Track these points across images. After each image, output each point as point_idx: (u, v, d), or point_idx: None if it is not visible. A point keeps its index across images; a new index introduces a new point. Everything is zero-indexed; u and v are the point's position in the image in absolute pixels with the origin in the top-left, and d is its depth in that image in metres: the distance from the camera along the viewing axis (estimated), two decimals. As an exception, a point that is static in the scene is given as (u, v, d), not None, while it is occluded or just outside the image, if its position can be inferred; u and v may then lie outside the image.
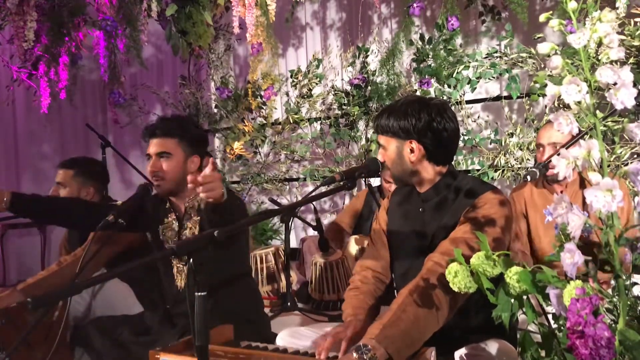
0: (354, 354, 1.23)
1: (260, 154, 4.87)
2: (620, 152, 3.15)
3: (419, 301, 1.35)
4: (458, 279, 1.06)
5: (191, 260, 1.10)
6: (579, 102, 0.94)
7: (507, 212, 1.54)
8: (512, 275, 1.01)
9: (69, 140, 5.91)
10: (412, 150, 1.61)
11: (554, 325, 1.02)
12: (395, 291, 1.74)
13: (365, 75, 4.37)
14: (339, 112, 4.51)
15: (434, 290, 1.37)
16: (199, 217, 2.06)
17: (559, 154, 0.96)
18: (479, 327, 1.55)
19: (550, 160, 2.19)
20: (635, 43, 3.04)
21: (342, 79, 4.74)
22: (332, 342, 1.42)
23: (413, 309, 1.34)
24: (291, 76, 4.67)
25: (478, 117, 4.03)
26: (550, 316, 1.05)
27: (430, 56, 3.99)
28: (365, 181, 4.27)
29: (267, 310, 2.88)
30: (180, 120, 2.12)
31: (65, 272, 2.41)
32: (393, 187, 3.25)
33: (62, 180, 2.66)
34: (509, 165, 3.75)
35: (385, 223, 1.78)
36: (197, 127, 2.16)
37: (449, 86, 3.90)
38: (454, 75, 3.85)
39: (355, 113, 4.35)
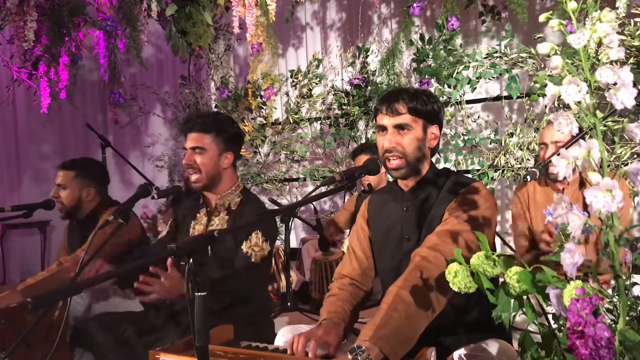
0: (349, 356, 1.23)
1: (260, 154, 4.87)
2: (620, 152, 3.15)
3: (409, 298, 1.34)
4: (458, 279, 1.06)
5: (191, 260, 1.10)
6: (579, 102, 0.94)
7: (491, 203, 1.55)
8: (512, 275, 1.01)
9: (69, 140, 5.91)
10: (432, 136, 1.63)
11: (554, 325, 1.02)
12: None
13: (365, 75, 4.37)
14: (339, 112, 4.51)
15: (423, 285, 1.36)
16: (227, 216, 2.12)
17: (559, 154, 0.96)
18: (478, 327, 1.55)
19: (550, 160, 2.20)
20: (635, 43, 3.04)
21: (342, 79, 4.74)
22: (305, 342, 1.41)
23: (404, 307, 1.33)
24: (291, 76, 4.67)
25: (478, 117, 4.03)
26: (550, 316, 1.05)
27: (430, 56, 3.99)
28: (359, 185, 4.27)
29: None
30: (218, 117, 2.22)
31: (66, 272, 2.41)
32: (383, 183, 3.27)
33: (63, 182, 2.66)
34: (509, 165, 3.75)
35: (366, 232, 1.76)
36: (234, 125, 2.23)
37: (449, 86, 3.90)
38: (454, 75, 3.85)
39: (355, 113, 4.35)
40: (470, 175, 3.52)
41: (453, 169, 1.72)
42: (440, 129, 1.66)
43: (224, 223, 2.11)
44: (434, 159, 1.72)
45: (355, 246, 1.77)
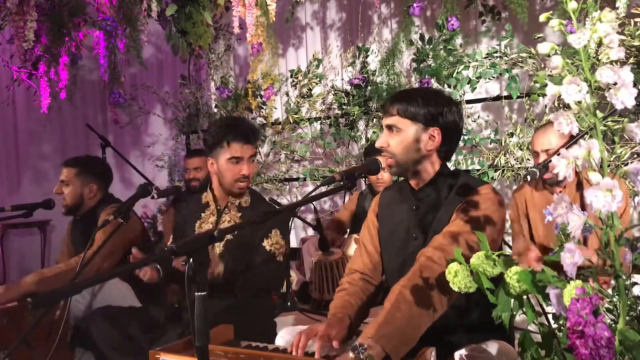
0: (351, 354, 1.23)
1: (260, 154, 4.87)
2: (620, 152, 3.15)
3: (412, 298, 1.34)
4: (458, 278, 1.06)
5: (191, 260, 1.09)
6: (579, 102, 0.94)
7: (500, 207, 1.55)
8: (512, 275, 1.01)
9: (69, 140, 5.91)
10: (431, 138, 1.60)
11: (554, 325, 1.02)
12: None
13: (365, 75, 4.36)
14: (339, 112, 4.51)
15: (427, 285, 1.36)
16: (240, 212, 2.23)
17: (558, 154, 0.96)
18: (479, 327, 1.55)
19: (550, 161, 2.20)
20: (635, 43, 3.04)
21: (342, 79, 4.73)
22: (306, 341, 1.41)
23: (407, 306, 1.33)
24: (291, 76, 4.67)
25: (478, 117, 4.03)
26: (550, 316, 1.05)
27: (430, 56, 3.99)
28: (365, 181, 4.26)
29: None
30: (257, 127, 2.50)
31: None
32: (384, 182, 3.27)
33: (66, 178, 2.69)
34: (509, 165, 3.74)
35: (376, 227, 1.76)
36: None
37: (449, 86, 3.90)
38: (454, 75, 3.84)
39: (355, 113, 4.34)
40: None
41: (452, 169, 1.72)
42: (445, 130, 1.61)
43: (237, 220, 2.20)
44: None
45: (366, 241, 1.78)
